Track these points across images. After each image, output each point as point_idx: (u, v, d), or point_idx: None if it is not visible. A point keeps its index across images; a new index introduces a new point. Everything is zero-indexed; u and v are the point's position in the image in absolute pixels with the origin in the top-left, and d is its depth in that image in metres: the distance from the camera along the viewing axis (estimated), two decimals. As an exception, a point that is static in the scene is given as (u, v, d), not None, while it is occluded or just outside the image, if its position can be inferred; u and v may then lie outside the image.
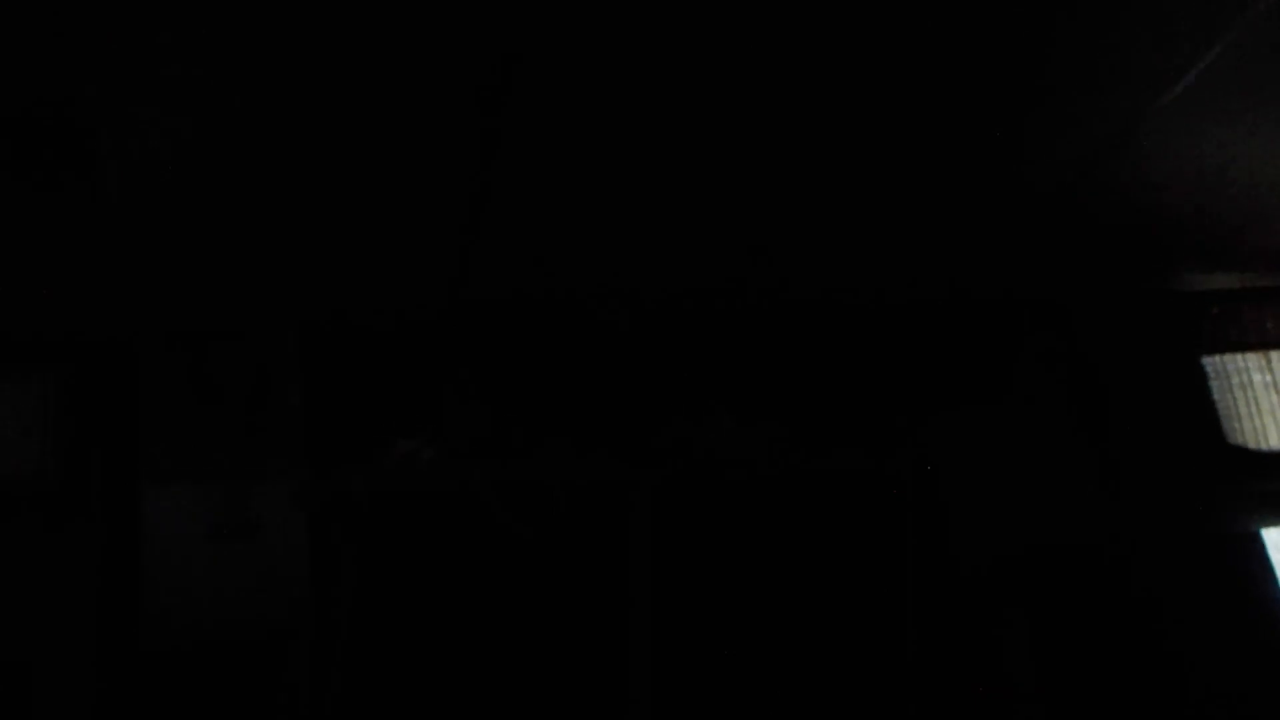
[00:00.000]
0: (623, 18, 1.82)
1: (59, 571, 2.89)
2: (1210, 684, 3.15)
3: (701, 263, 3.01)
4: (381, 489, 3.02)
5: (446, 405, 3.18)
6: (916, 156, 2.47)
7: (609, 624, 3.02)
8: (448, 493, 3.05)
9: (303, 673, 2.85)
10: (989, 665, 3.16)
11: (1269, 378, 3.65)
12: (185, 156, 2.14)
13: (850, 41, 1.96)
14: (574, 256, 2.89)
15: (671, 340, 3.38)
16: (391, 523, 3.02)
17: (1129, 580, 3.27)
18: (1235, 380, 3.64)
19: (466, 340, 3.28)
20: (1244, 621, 3.26)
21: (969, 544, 3.30)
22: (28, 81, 1.84)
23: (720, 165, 2.42)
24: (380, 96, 1.99)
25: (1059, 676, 3.14)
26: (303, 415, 3.13)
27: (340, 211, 2.47)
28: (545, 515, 3.07)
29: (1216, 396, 3.60)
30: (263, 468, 3.05)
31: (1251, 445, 3.55)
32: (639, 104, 2.12)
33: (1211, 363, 3.66)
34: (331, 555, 2.97)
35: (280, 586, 2.95)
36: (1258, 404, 3.61)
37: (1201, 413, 3.58)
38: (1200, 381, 3.62)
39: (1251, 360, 3.68)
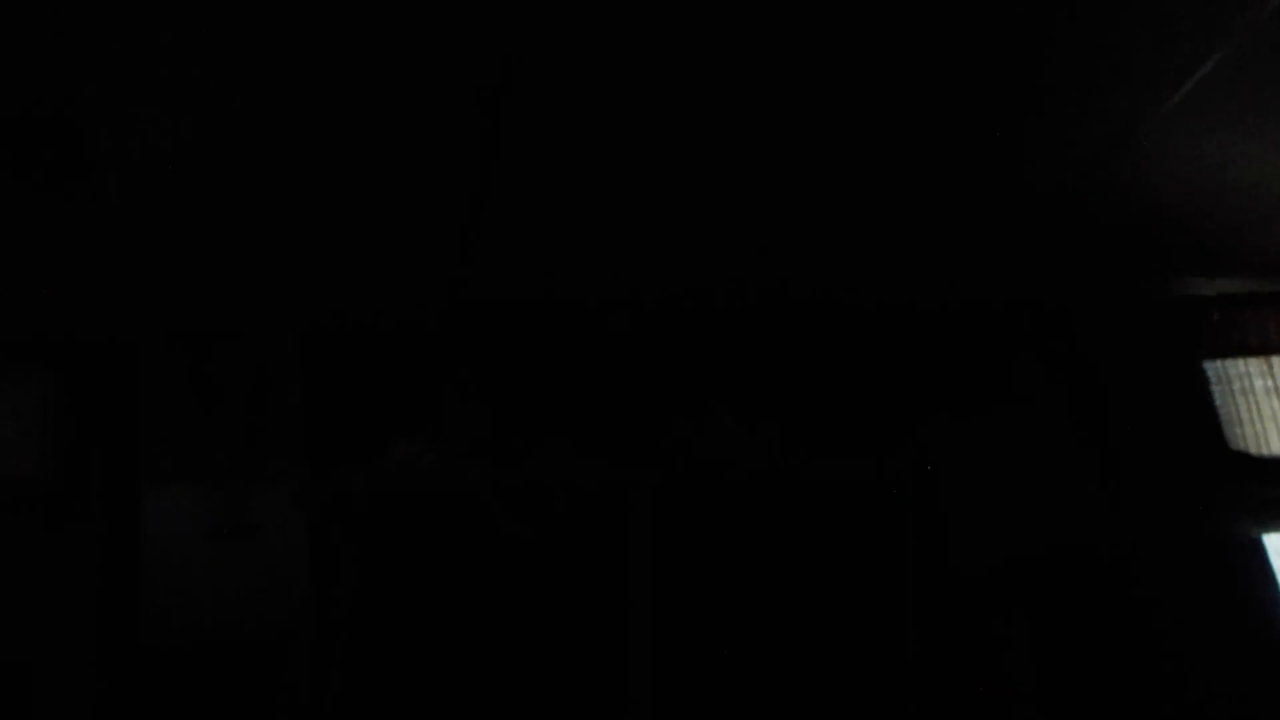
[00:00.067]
0: (622, 18, 1.82)
1: (59, 571, 2.89)
2: (1210, 686, 3.14)
3: (701, 264, 3.01)
4: (381, 490, 3.02)
5: (446, 406, 3.18)
6: (917, 157, 2.47)
7: (609, 625, 3.02)
8: (447, 493, 3.05)
9: (302, 673, 2.85)
10: (989, 668, 3.15)
11: (1270, 382, 3.64)
12: (185, 157, 2.14)
13: (851, 41, 1.96)
14: (574, 258, 2.89)
15: (672, 342, 3.38)
16: (391, 523, 3.02)
17: (1129, 584, 3.26)
18: (1236, 385, 3.64)
19: (466, 341, 3.28)
20: (1244, 625, 3.26)
21: (969, 547, 3.29)
22: (28, 81, 1.84)
23: (719, 166, 2.42)
24: (380, 96, 1.99)
25: (1059, 680, 3.13)
26: (303, 416, 3.13)
27: (340, 212, 2.47)
28: (545, 517, 3.07)
29: (1218, 401, 3.59)
30: (263, 468, 3.05)
31: (1252, 450, 3.54)
32: (639, 105, 2.12)
33: (1213, 367, 3.65)
34: (331, 556, 2.97)
35: (280, 587, 2.95)
36: (1259, 409, 3.61)
37: (1202, 417, 3.57)
38: (1201, 386, 3.62)
39: (1253, 365, 3.68)
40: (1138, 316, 3.66)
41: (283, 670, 2.85)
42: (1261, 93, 2.30)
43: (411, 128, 2.12)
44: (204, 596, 2.91)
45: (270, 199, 2.37)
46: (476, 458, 3.12)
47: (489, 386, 3.24)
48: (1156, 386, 3.57)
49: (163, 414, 3.06)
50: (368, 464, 3.05)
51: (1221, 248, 3.26)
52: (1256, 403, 3.61)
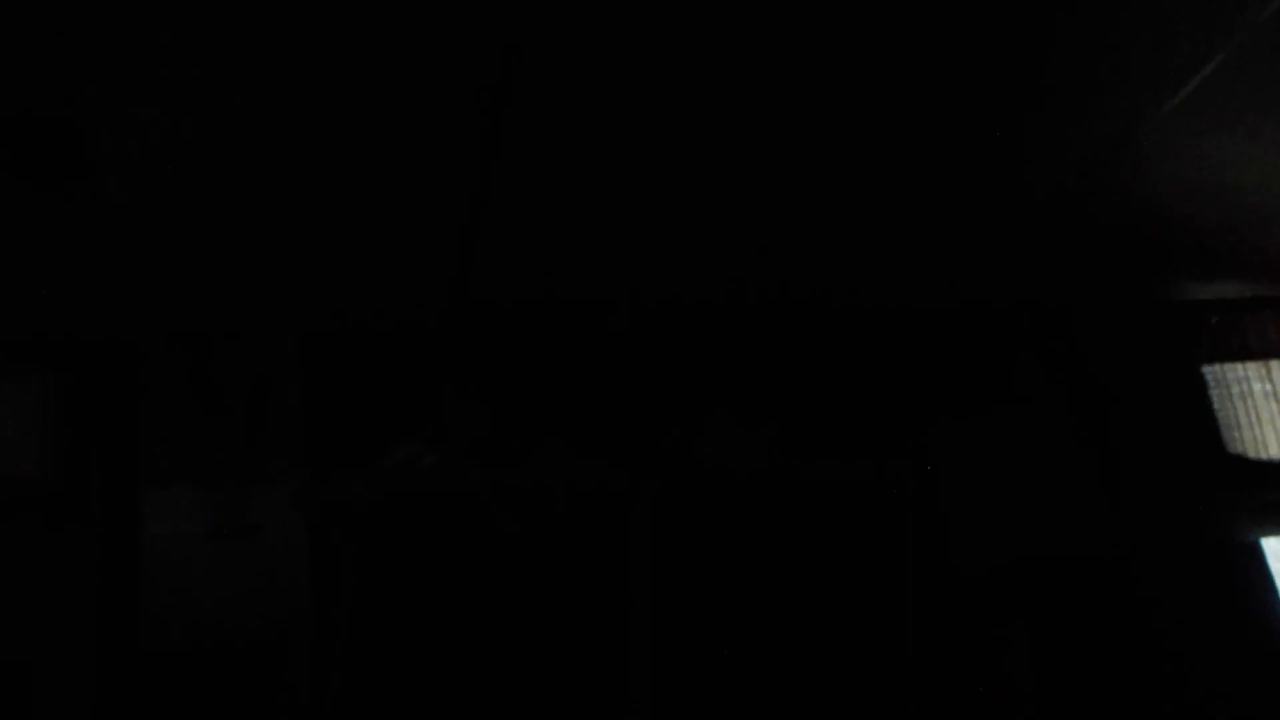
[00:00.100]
0: (622, 18, 1.83)
1: (59, 572, 2.89)
2: (1210, 691, 3.14)
3: (701, 265, 3.01)
4: (381, 490, 3.02)
5: (446, 407, 3.18)
6: (917, 158, 2.47)
7: (609, 627, 3.01)
8: (448, 494, 3.05)
9: (302, 674, 2.85)
10: (989, 672, 3.15)
11: (1269, 387, 3.65)
12: (185, 157, 2.14)
13: (851, 41, 1.96)
14: (574, 258, 2.89)
15: (672, 343, 3.38)
16: (391, 525, 3.02)
17: (1129, 588, 3.26)
18: (1235, 389, 3.64)
19: (466, 342, 3.28)
20: (1243, 630, 3.25)
21: (969, 551, 3.29)
22: (28, 81, 1.84)
23: (719, 166, 2.42)
24: (379, 96, 1.99)
25: (1059, 684, 3.13)
26: (303, 417, 3.13)
27: (340, 212, 2.47)
28: (545, 517, 3.07)
29: (1216, 405, 3.60)
30: (263, 469, 3.05)
31: (1251, 454, 3.54)
32: (640, 105, 2.12)
33: (1211, 371, 3.66)
34: (331, 557, 2.97)
35: (280, 588, 2.95)
36: (1258, 413, 3.61)
37: (1202, 421, 3.58)
38: (1200, 390, 3.62)
39: (1252, 369, 3.68)
40: (1137, 319, 3.66)
41: (283, 670, 2.85)
42: (1262, 94, 2.29)
43: (411, 128, 2.12)
44: (204, 597, 2.91)
45: (270, 199, 2.37)
46: (476, 458, 3.12)
47: (489, 387, 3.24)
48: (1156, 389, 3.57)
49: (163, 414, 3.06)
50: (368, 465, 3.05)
51: (1222, 249, 3.26)
52: (1255, 407, 3.62)
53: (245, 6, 1.70)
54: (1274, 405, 3.62)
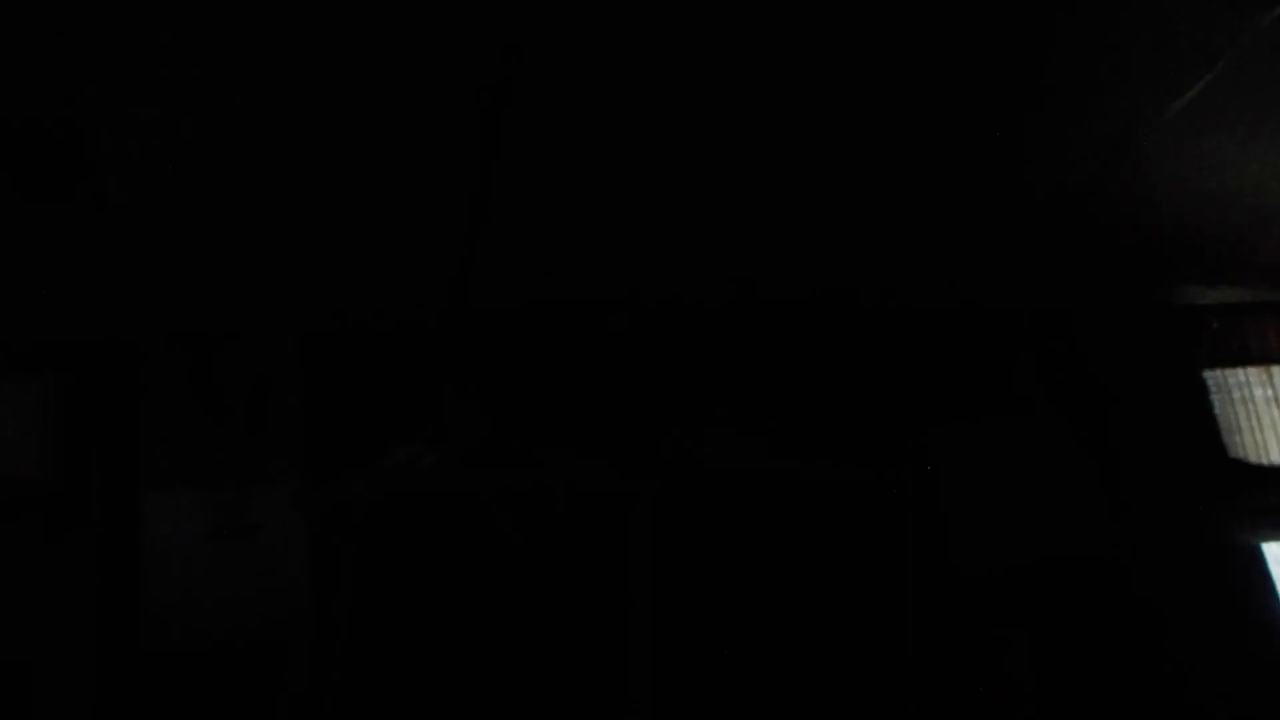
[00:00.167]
0: (622, 20, 1.83)
1: (59, 573, 2.89)
2: (1210, 693, 3.14)
3: (700, 266, 3.01)
4: (381, 491, 3.02)
5: (446, 408, 3.18)
6: (918, 159, 2.47)
7: (609, 627, 3.01)
8: (447, 495, 3.05)
9: (302, 673, 2.85)
10: (989, 674, 3.15)
11: (1269, 391, 3.65)
12: (185, 157, 2.14)
13: (852, 41, 1.96)
14: (574, 259, 2.89)
15: (672, 344, 3.38)
16: (391, 525, 3.02)
17: (1129, 590, 3.26)
18: (1236, 394, 3.64)
19: (466, 343, 3.28)
20: (1243, 633, 3.25)
21: (969, 552, 3.29)
22: (28, 81, 1.84)
23: (719, 167, 2.42)
24: (380, 95, 1.99)
25: (1059, 684, 3.13)
26: (303, 418, 3.13)
27: (340, 213, 2.47)
28: (545, 519, 3.07)
29: (1218, 410, 3.60)
30: (263, 470, 3.05)
31: (1252, 459, 3.54)
32: (639, 106, 2.12)
33: (1213, 376, 3.66)
34: (331, 557, 2.97)
35: (280, 588, 2.95)
36: (1258, 418, 3.61)
37: (1202, 426, 3.58)
38: (1201, 395, 3.62)
39: (1253, 374, 3.68)
40: (1138, 322, 3.66)
41: (282, 671, 2.85)
42: (1263, 97, 2.29)
43: (411, 128, 2.12)
44: (204, 597, 2.91)
45: (270, 199, 2.37)
46: (476, 459, 3.12)
47: (489, 387, 3.24)
48: (1156, 392, 3.57)
49: (163, 415, 3.06)
50: (368, 465, 3.05)
51: (1222, 252, 3.26)
52: (1256, 411, 3.62)
53: (245, 7, 1.70)
54: (1275, 410, 3.62)
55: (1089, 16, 1.92)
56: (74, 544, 2.93)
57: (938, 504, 3.31)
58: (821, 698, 3.04)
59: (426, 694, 2.88)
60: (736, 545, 3.17)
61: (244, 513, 2.99)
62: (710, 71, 2.01)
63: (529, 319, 3.26)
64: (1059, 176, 2.61)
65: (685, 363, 3.35)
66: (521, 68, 1.94)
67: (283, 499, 3.00)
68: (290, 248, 2.65)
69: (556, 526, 3.07)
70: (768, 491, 3.23)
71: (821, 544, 3.20)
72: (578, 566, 3.06)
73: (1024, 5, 1.88)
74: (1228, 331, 3.70)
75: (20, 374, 3.05)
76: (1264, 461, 3.54)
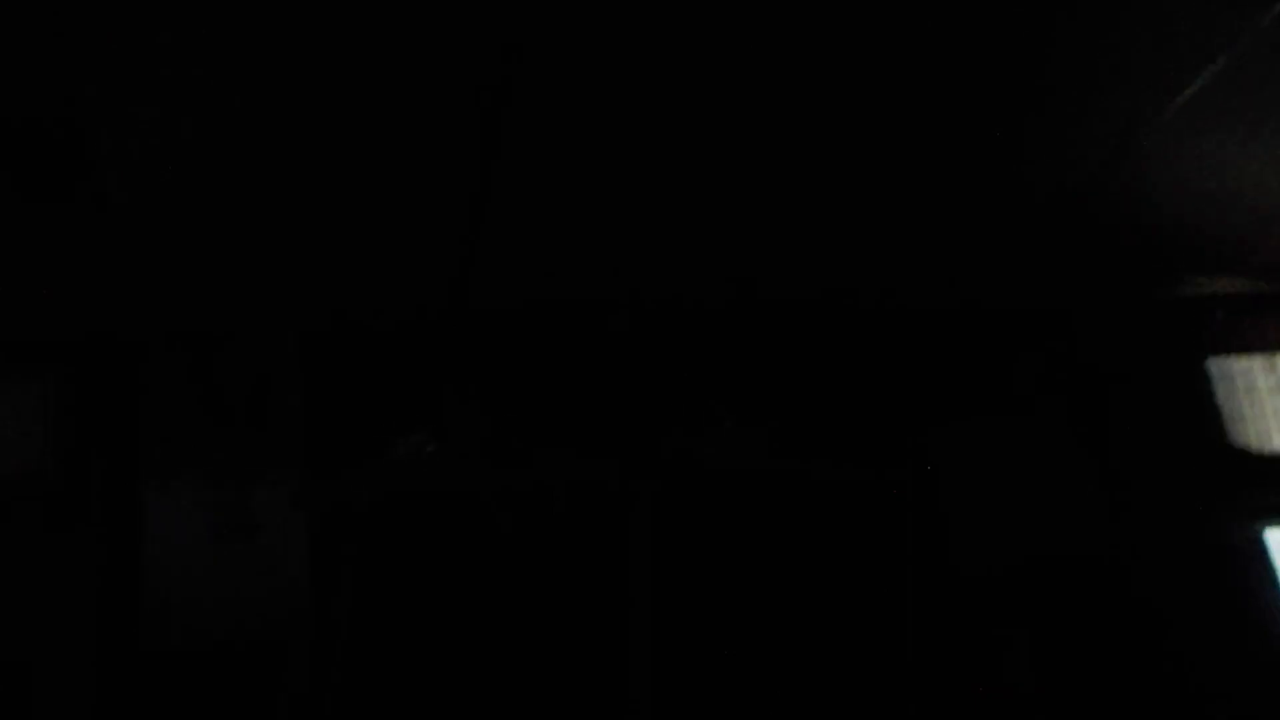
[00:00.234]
0: (622, 18, 1.83)
1: (59, 572, 2.89)
2: (1212, 694, 3.13)
3: (700, 266, 3.02)
4: (381, 491, 3.02)
5: (446, 407, 3.18)
6: (917, 158, 2.47)
7: (609, 627, 3.01)
8: (447, 495, 3.05)
9: (302, 674, 2.85)
10: (989, 672, 3.15)
11: (1274, 380, 3.63)
12: (185, 157, 2.14)
13: (852, 41, 1.96)
14: (574, 259, 2.89)
15: (672, 344, 3.38)
16: (391, 525, 3.02)
17: (1129, 588, 3.26)
18: (1241, 382, 3.62)
19: (466, 343, 3.28)
20: (1246, 632, 3.25)
21: (969, 551, 3.29)
22: (28, 81, 1.84)
23: (719, 167, 2.42)
24: (379, 95, 2.00)
25: (1059, 684, 3.13)
26: (303, 416, 3.13)
27: (340, 213, 2.47)
28: (545, 519, 3.07)
29: (1221, 400, 3.58)
30: (263, 468, 3.05)
31: (1255, 449, 3.53)
32: (640, 105, 2.12)
33: (1217, 365, 3.63)
34: (331, 557, 2.97)
35: (280, 588, 2.95)
36: (1263, 407, 3.59)
37: (1205, 420, 3.57)
38: (1203, 389, 3.61)
39: (1257, 363, 3.66)
40: (1139, 321, 3.65)
41: (283, 671, 2.85)
42: (1264, 96, 2.29)
43: (411, 128, 2.12)
44: (204, 597, 2.91)
45: (270, 199, 2.38)
46: (476, 458, 3.12)
47: (489, 387, 3.24)
48: (1158, 390, 3.57)
49: (163, 414, 3.06)
50: (368, 465, 3.05)
51: (1225, 253, 3.26)
52: (1260, 401, 3.60)
53: (245, 6, 1.70)
54: (1279, 400, 3.61)
55: (1089, 16, 1.92)
56: (74, 544, 2.93)
57: (938, 504, 3.31)
58: (822, 697, 3.04)
59: (427, 693, 2.88)
60: (737, 545, 3.17)
61: (244, 513, 2.99)
62: (711, 71, 2.01)
63: (529, 318, 3.27)
64: (1059, 176, 2.61)
65: (685, 363, 3.35)
66: (521, 68, 1.94)
67: (283, 499, 3.00)
68: (290, 248, 2.65)
69: (556, 526, 3.07)
70: (768, 491, 3.23)
71: (821, 544, 3.20)
72: (578, 565, 3.06)
73: (1024, 5, 1.88)
74: (1232, 320, 3.69)
75: (20, 373, 3.05)
76: (1267, 451, 3.53)
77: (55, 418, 3.02)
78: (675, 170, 2.41)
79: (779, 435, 3.30)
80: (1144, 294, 3.63)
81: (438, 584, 2.98)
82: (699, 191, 2.53)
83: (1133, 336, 3.63)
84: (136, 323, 3.05)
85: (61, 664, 2.81)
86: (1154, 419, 3.51)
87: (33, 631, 2.83)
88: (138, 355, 3.10)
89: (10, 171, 2.12)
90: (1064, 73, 2.12)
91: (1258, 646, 3.22)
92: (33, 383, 3.03)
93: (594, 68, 1.97)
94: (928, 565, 3.23)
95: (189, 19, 1.71)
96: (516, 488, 3.08)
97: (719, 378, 3.36)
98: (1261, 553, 3.38)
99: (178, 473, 3.01)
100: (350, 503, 3.01)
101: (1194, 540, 3.36)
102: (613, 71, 1.99)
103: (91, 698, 2.80)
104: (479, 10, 1.77)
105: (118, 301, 2.88)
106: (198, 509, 2.98)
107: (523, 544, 3.04)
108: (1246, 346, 3.67)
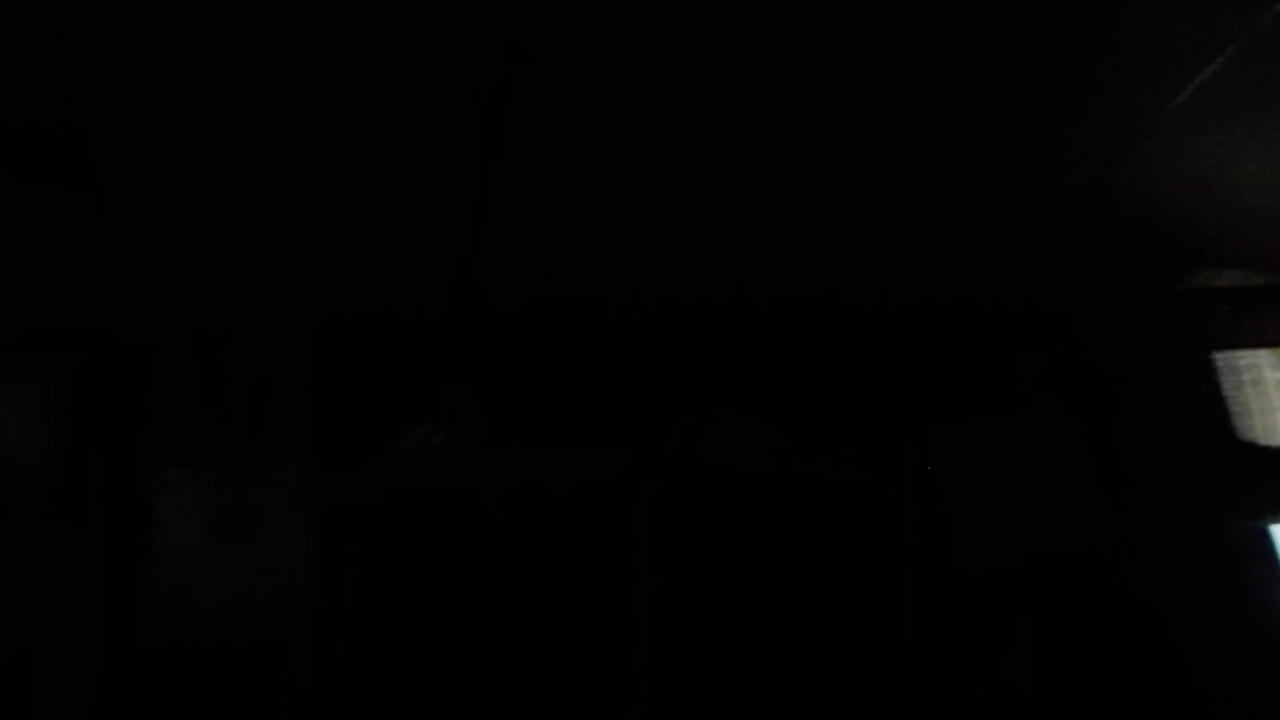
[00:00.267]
0: (623, 18, 1.83)
1: (59, 571, 2.90)
2: (1214, 694, 3.13)
3: (701, 265, 3.01)
4: (382, 490, 3.03)
5: (447, 407, 3.19)
6: (917, 158, 2.47)
7: (610, 626, 3.02)
8: (448, 493, 3.06)
9: (303, 673, 2.85)
10: (990, 671, 3.15)
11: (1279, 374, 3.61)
12: (185, 156, 2.14)
13: (852, 41, 1.96)
14: (575, 258, 2.89)
15: (673, 343, 3.38)
16: (392, 523, 3.03)
17: (1131, 587, 3.26)
18: (1247, 375, 3.60)
19: (467, 342, 3.28)
20: (1250, 630, 3.24)
21: (970, 550, 3.29)
22: (28, 81, 1.84)
23: (721, 166, 2.42)
24: (380, 95, 2.00)
25: (1060, 683, 3.13)
26: (306, 414, 3.14)
27: (339, 212, 2.47)
28: (546, 518, 3.08)
29: (1226, 395, 3.56)
30: (264, 468, 3.06)
31: (1262, 442, 3.52)
32: (641, 105, 2.12)
33: (1222, 357, 3.61)
34: (332, 555, 2.98)
35: (281, 587, 2.95)
36: (1270, 401, 3.57)
37: (1208, 417, 3.55)
38: (1206, 385, 3.59)
39: (1263, 355, 3.64)
40: (1141, 317, 3.64)
41: (284, 668, 2.85)
42: (1264, 95, 2.29)
43: (412, 128, 2.12)
44: (206, 595, 2.92)
45: (271, 199, 2.38)
46: (477, 457, 3.13)
47: (490, 386, 3.24)
48: (1160, 387, 3.56)
49: (165, 411, 3.07)
50: (369, 463, 3.06)
51: (1223, 249, 3.25)
52: (1267, 394, 3.58)
53: (245, 6, 1.70)
54: (1287, 392, 3.58)
55: (1089, 16, 1.92)
56: (74, 542, 2.93)
57: (938, 503, 3.31)
58: (822, 696, 3.04)
59: (428, 692, 2.88)
60: (738, 544, 3.17)
61: (245, 511, 3.00)
62: (711, 71, 2.01)
63: (530, 318, 3.27)
64: (1059, 176, 2.61)
65: (686, 362, 3.36)
66: (521, 68, 1.94)
67: (284, 498, 3.01)
68: (289, 248, 2.65)
69: (557, 524, 3.08)
70: (768, 490, 3.24)
71: (822, 543, 3.21)
72: (579, 565, 3.06)
73: (1024, 5, 1.88)
74: (1238, 313, 3.67)
75: (22, 371, 3.05)
76: (1274, 444, 3.51)
77: (56, 416, 3.02)
78: (676, 170, 2.41)
79: (780, 434, 3.30)
80: (1145, 292, 3.62)
81: (438, 583, 2.99)
82: (699, 191, 2.53)
83: (1134, 334, 3.63)
84: (138, 321, 3.05)
85: (62, 663, 2.81)
86: (1156, 417, 3.51)
87: (33, 631, 2.84)
88: (139, 354, 3.10)
89: (10, 171, 2.12)
90: (1064, 73, 2.12)
91: (1258, 645, 3.22)
92: (33, 381, 3.03)
93: (594, 68, 1.97)
94: (928, 564, 3.23)
95: (189, 19, 1.71)
96: (517, 487, 3.09)
97: (720, 377, 3.37)
98: (1266, 549, 3.36)
99: (179, 471, 3.01)
100: (351, 501, 3.01)
101: (1197, 539, 3.35)
102: (613, 72, 1.98)
103: (92, 697, 2.80)
104: (479, 10, 1.77)
105: (118, 300, 2.89)
106: (199, 507, 2.99)
107: (523, 542, 3.05)
108: (1250, 341, 3.65)
